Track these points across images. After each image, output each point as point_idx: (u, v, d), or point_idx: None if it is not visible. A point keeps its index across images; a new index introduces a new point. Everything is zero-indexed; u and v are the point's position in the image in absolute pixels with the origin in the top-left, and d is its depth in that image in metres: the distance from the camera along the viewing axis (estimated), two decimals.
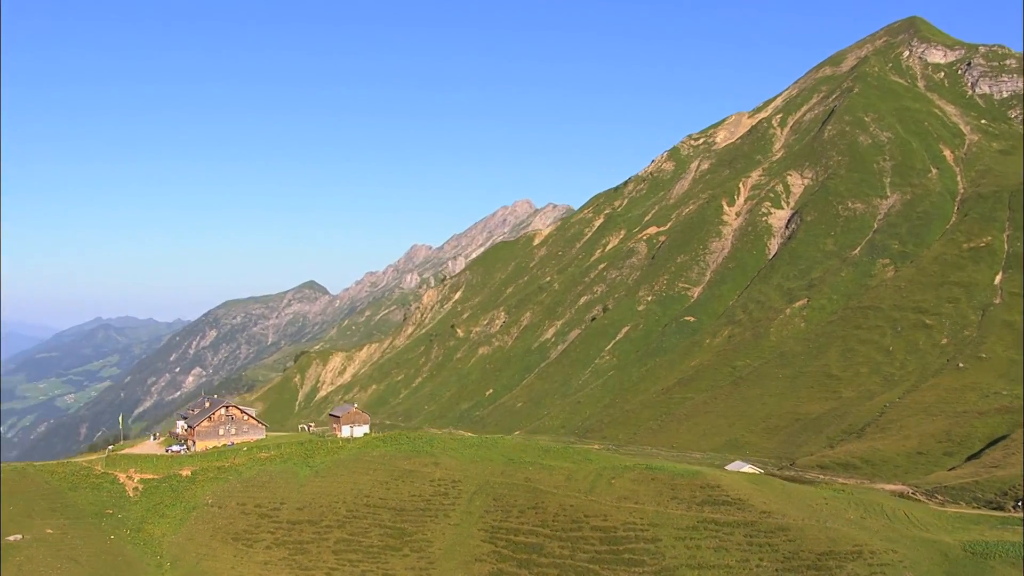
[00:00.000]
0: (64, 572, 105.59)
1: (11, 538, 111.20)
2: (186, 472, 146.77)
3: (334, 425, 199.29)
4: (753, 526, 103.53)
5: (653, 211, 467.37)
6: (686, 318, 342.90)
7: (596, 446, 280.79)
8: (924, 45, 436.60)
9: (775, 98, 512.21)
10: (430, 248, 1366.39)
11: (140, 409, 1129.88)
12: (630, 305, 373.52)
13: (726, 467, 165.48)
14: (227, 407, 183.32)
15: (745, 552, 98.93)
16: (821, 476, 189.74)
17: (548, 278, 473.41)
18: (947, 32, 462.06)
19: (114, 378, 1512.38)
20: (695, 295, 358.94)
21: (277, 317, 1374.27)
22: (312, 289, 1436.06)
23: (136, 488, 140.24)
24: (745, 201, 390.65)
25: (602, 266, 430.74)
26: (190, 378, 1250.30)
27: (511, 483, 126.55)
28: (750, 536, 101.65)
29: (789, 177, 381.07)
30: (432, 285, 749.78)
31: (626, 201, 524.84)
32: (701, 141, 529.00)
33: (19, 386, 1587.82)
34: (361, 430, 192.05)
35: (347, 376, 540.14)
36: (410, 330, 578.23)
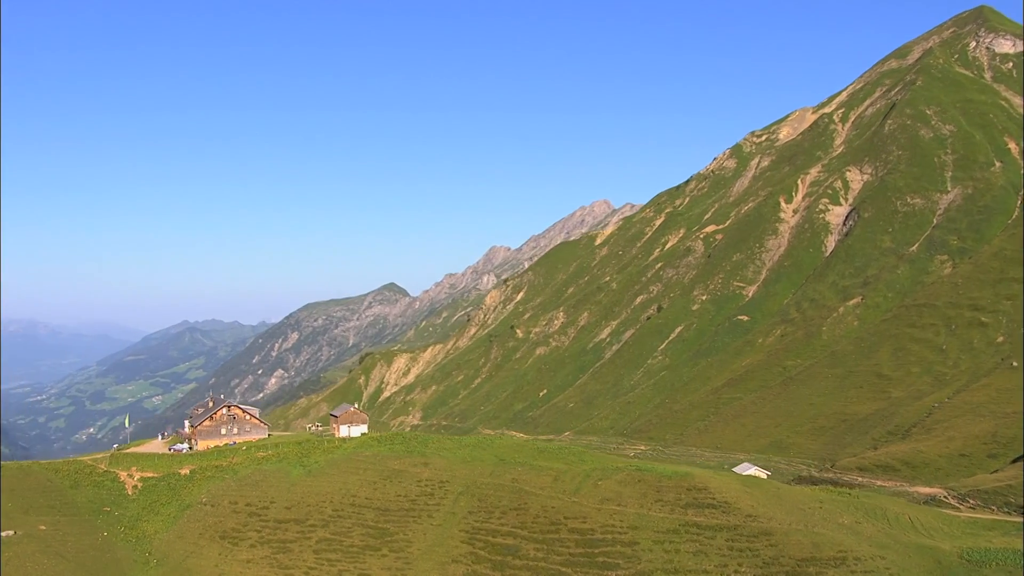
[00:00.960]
0: (49, 568, 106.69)
1: (4, 534, 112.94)
2: (185, 471, 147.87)
3: (333, 425, 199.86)
4: (736, 530, 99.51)
5: (713, 209, 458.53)
6: (740, 317, 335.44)
7: (642, 447, 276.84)
8: (992, 35, 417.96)
9: (840, 92, 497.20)
10: (508, 249, 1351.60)
11: None
12: (684, 304, 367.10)
13: (733, 469, 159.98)
14: (228, 407, 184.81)
15: (724, 557, 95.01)
16: (859, 478, 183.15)
17: (607, 278, 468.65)
18: (1017, 21, 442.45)
19: (199, 380, 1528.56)
20: (750, 294, 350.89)
21: (358, 319, 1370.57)
22: (392, 291, 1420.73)
23: (135, 486, 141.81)
24: (803, 198, 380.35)
25: (659, 265, 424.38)
26: (272, 380, 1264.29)
27: (498, 484, 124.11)
28: (731, 540, 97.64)
29: (848, 173, 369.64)
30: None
31: (687, 200, 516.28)
32: (764, 138, 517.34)
33: (109, 388, 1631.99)
34: (358, 430, 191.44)
35: (411, 377, 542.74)
36: (473, 331, 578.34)
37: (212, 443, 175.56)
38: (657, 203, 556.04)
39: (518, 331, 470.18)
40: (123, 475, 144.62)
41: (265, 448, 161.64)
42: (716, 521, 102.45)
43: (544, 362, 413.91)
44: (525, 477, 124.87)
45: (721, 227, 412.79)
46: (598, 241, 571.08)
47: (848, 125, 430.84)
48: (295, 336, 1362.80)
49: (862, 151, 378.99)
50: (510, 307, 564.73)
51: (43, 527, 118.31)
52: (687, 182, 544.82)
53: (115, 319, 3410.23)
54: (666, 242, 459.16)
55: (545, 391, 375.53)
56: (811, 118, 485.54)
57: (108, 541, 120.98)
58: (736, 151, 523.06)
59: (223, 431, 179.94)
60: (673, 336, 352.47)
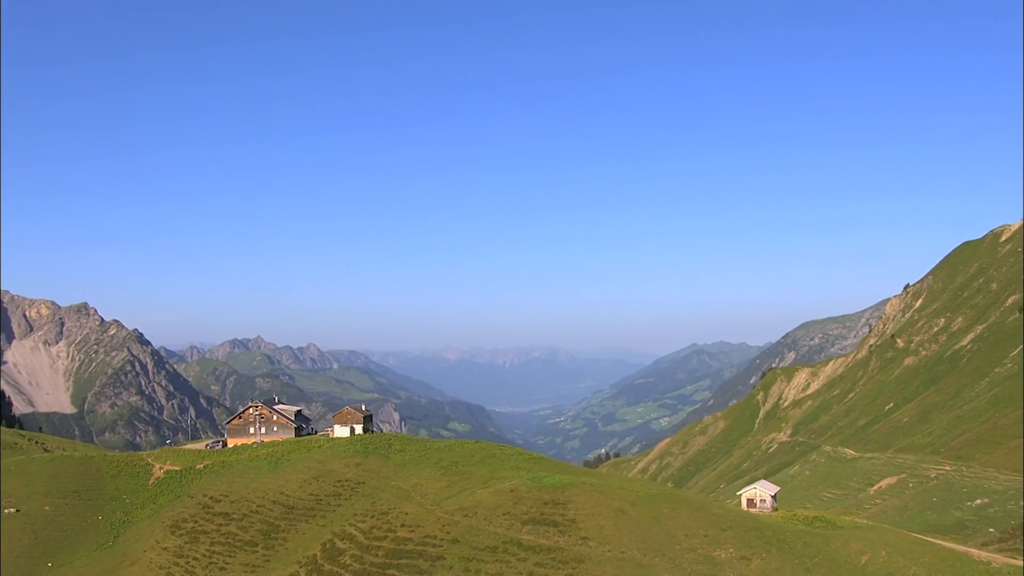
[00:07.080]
0: (17, 540, 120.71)
1: (5, 511, 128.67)
2: (201, 466, 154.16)
3: (333, 426, 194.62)
4: (552, 553, 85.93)
5: None
6: None
7: (947, 467, 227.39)
8: None
9: None
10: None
11: None
12: None
13: (753, 484, 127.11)
14: (257, 407, 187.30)
15: None
16: None
17: (996, 278, 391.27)
18: None
19: (703, 401, 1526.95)
20: None
21: (855, 336, 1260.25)
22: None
23: (158, 478, 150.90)
24: None
25: None
26: None
27: (399, 487, 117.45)
28: (538, 565, 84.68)
29: None
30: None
31: None
32: None
33: (619, 410, 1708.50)
34: (345, 430, 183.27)
35: (808, 391, 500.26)
36: (872, 341, 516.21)
37: (240, 441, 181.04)
38: None
39: (899, 341, 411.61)
40: (156, 468, 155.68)
41: (270, 447, 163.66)
42: (543, 541, 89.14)
43: (907, 372, 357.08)
44: (427, 483, 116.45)
45: None
46: (1003, 238, 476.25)
47: None
48: (792, 355, 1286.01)
49: None
50: (908, 315, 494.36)
51: (47, 508, 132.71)
52: None
53: (629, 344, 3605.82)
54: None
55: (891, 404, 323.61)
56: None
57: (96, 524, 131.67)
58: None
59: (251, 430, 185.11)
60: None
